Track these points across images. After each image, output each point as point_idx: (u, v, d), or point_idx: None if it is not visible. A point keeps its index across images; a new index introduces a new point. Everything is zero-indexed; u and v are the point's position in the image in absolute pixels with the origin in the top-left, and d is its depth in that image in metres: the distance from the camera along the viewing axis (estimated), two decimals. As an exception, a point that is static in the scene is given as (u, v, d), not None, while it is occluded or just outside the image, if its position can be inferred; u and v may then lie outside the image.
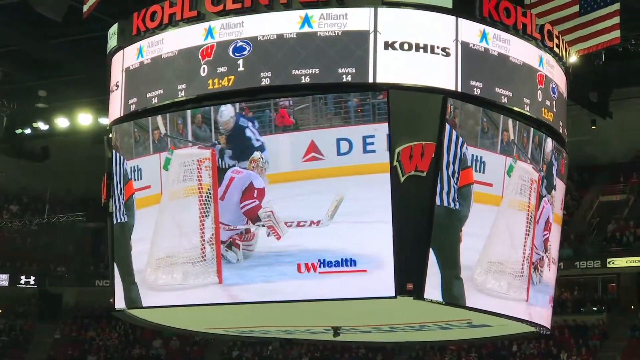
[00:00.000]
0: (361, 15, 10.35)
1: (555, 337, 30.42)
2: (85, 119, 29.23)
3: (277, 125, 10.43)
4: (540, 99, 11.46)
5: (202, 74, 10.74)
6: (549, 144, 11.68)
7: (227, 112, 10.63)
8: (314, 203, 10.29)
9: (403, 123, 10.19)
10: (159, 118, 11.11)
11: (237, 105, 10.58)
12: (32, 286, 38.41)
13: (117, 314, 12.48)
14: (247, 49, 10.56)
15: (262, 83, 10.45)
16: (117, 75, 11.82)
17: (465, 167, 10.57)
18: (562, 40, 12.10)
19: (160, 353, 36.75)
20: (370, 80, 10.24)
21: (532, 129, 11.36)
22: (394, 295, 10.03)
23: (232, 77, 10.58)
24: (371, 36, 10.31)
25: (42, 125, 30.57)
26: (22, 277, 38.20)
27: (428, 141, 10.30)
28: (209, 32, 10.79)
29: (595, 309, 32.37)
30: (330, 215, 10.23)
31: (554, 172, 11.96)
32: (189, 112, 10.85)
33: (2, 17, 22.09)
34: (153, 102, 11.18)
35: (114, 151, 11.78)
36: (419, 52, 10.40)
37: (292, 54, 10.38)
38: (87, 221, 36.49)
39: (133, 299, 11.73)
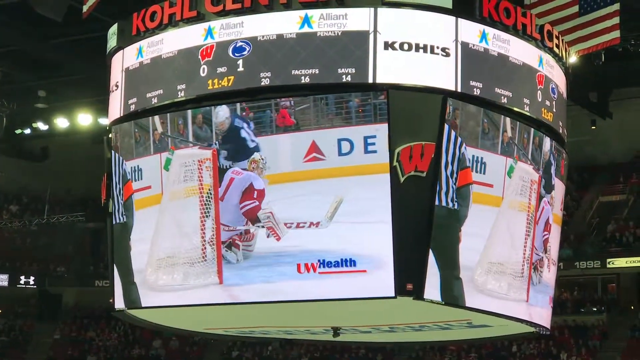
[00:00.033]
0: (361, 16, 10.35)
1: (555, 337, 30.43)
2: (84, 119, 29.25)
3: (278, 125, 10.43)
4: (540, 99, 11.46)
5: (202, 74, 10.74)
6: (547, 143, 11.68)
7: (222, 113, 10.63)
8: (314, 204, 10.28)
9: (403, 123, 10.19)
10: (156, 118, 11.10)
11: (238, 105, 10.58)
12: (32, 286, 38.40)
13: (117, 314, 12.47)
14: (247, 49, 10.55)
15: (262, 83, 10.44)
16: (116, 76, 11.82)
17: (463, 167, 10.56)
18: (562, 40, 12.10)
19: (159, 353, 36.74)
20: (370, 80, 10.23)
21: (532, 130, 11.36)
22: (393, 295, 10.03)
23: (232, 78, 10.58)
24: (371, 36, 10.30)
25: (41, 126, 30.59)
26: (22, 277, 38.20)
27: (428, 141, 10.29)
28: (209, 32, 10.79)
29: (595, 309, 32.38)
30: (330, 216, 10.23)
31: (553, 172, 11.95)
32: (189, 112, 10.85)
33: (2, 17, 22.10)
34: (153, 102, 11.18)
35: (113, 151, 11.78)
36: (419, 53, 10.39)
37: (292, 54, 10.38)
38: (87, 221, 36.50)
39: (133, 299, 11.73)
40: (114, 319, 33.06)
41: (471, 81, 10.60)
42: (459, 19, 10.60)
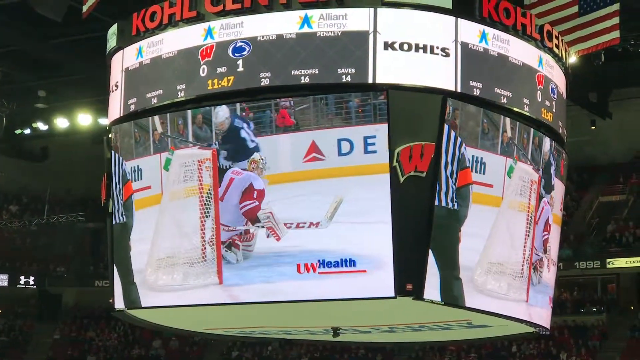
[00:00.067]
0: (361, 16, 10.35)
1: (554, 337, 30.43)
2: (84, 119, 29.26)
3: (278, 125, 10.43)
4: (539, 100, 11.46)
5: (202, 74, 10.74)
6: (547, 143, 11.67)
7: (222, 113, 10.63)
8: (314, 204, 10.28)
9: (402, 123, 10.19)
10: (156, 118, 11.10)
11: (238, 105, 10.58)
12: (32, 286, 38.40)
13: (117, 314, 12.47)
14: (247, 49, 10.55)
15: (262, 83, 10.44)
16: (116, 76, 11.82)
17: (463, 167, 10.56)
18: (562, 40, 12.10)
19: (159, 353, 36.75)
20: (370, 80, 10.23)
21: (532, 130, 11.36)
22: (393, 295, 10.03)
23: (232, 78, 10.58)
24: (371, 36, 10.30)
25: (41, 126, 30.60)
26: (22, 278, 38.19)
27: (427, 141, 10.29)
28: (209, 32, 10.79)
29: (594, 309, 32.39)
30: (330, 216, 10.23)
31: (553, 172, 11.95)
32: (189, 112, 10.85)
33: (2, 17, 22.11)
34: (152, 103, 11.18)
35: (112, 152, 11.78)
36: (419, 53, 10.39)
37: (292, 54, 10.38)
38: (87, 221, 36.50)
39: (132, 300, 11.73)
40: (113, 319, 33.06)
41: (471, 81, 10.60)
42: (459, 19, 10.60)
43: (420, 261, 10.17)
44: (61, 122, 29.87)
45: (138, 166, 11.40)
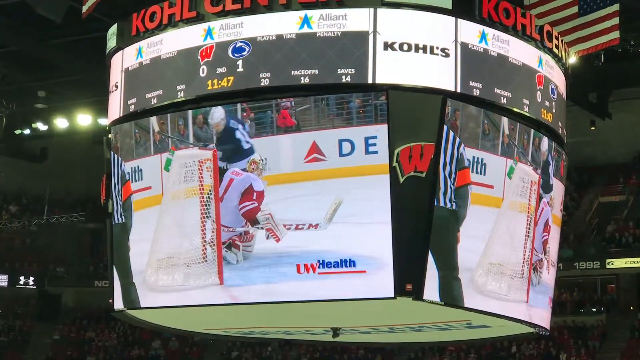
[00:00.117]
0: (360, 16, 10.34)
1: (554, 338, 30.41)
2: (84, 119, 29.27)
3: (279, 126, 10.42)
4: (539, 100, 11.45)
5: (202, 75, 10.73)
6: (545, 143, 11.67)
7: (217, 115, 10.63)
8: (315, 205, 10.28)
9: (402, 124, 10.18)
10: (155, 118, 11.10)
11: (238, 106, 10.57)
12: (31, 287, 38.36)
13: (116, 314, 12.46)
14: (247, 49, 10.55)
15: (262, 84, 10.44)
16: (116, 76, 11.81)
17: (462, 168, 10.56)
18: (562, 41, 12.10)
19: (159, 354, 36.72)
20: (370, 80, 10.23)
21: (532, 131, 11.35)
22: (393, 296, 10.02)
23: (232, 78, 10.57)
24: (370, 37, 10.30)
25: (41, 126, 30.60)
26: (21, 278, 38.16)
27: (427, 142, 10.29)
28: (208, 32, 10.78)
29: (594, 309, 32.37)
30: (329, 218, 10.22)
31: (551, 172, 11.94)
32: (190, 112, 10.84)
33: (1, 18, 22.11)
34: (152, 103, 11.17)
35: (112, 152, 11.77)
36: (419, 53, 10.39)
37: (292, 55, 10.38)
38: (86, 222, 36.50)
39: (132, 300, 11.72)
40: (113, 320, 33.03)
41: (471, 82, 10.60)
42: (459, 20, 10.59)
43: (420, 261, 10.17)
44: (61, 123, 29.87)
45: (138, 167, 11.39)
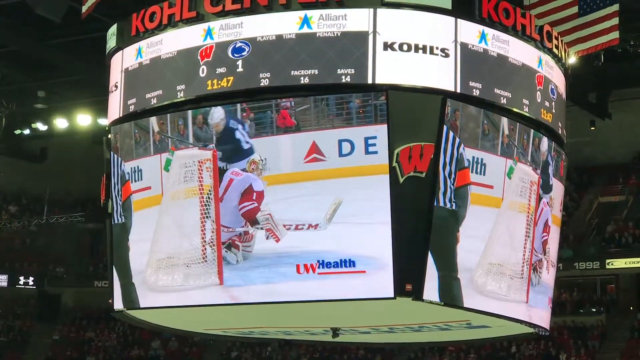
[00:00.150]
0: (360, 16, 10.34)
1: (554, 338, 30.41)
2: (84, 119, 29.28)
3: (279, 126, 10.42)
4: (539, 100, 11.45)
5: (201, 75, 10.74)
6: (545, 143, 11.67)
7: (217, 115, 10.63)
8: (314, 205, 10.28)
9: (402, 124, 10.18)
10: (154, 118, 11.10)
11: (238, 106, 10.57)
12: (31, 287, 38.35)
13: (116, 314, 12.46)
14: (247, 49, 10.55)
15: (261, 84, 10.44)
16: (116, 76, 11.81)
17: (462, 168, 10.56)
18: (562, 41, 12.10)
19: (159, 354, 36.72)
20: (370, 81, 10.23)
21: (532, 131, 11.35)
22: (393, 296, 10.02)
23: (231, 78, 10.57)
24: (370, 37, 10.30)
25: (41, 126, 30.60)
26: (21, 278, 38.15)
27: (427, 142, 10.29)
28: (208, 32, 10.78)
29: (594, 310, 32.37)
30: (328, 219, 10.22)
31: (551, 172, 11.94)
32: (190, 112, 10.84)
33: (1, 18, 22.10)
34: (152, 103, 11.17)
35: (112, 152, 11.77)
36: (418, 53, 10.39)
37: (291, 55, 10.38)
38: (86, 222, 36.49)
39: (132, 300, 11.72)
40: (113, 320, 33.04)
41: (470, 82, 10.60)
42: (459, 20, 10.59)
43: (420, 261, 10.17)
44: (60, 123, 29.88)
45: (138, 167, 11.39)
